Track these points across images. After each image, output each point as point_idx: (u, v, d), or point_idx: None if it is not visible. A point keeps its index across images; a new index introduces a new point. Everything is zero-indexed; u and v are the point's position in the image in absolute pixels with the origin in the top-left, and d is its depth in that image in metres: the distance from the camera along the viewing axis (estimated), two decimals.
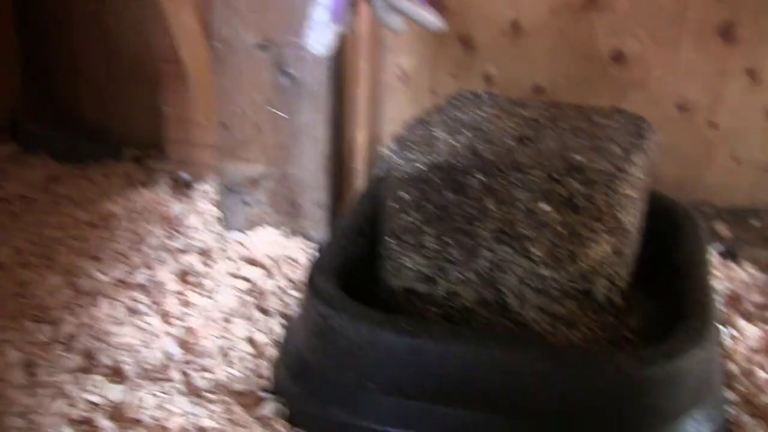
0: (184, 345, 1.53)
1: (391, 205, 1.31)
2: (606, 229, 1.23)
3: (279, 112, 1.79)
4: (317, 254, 1.43)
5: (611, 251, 1.25)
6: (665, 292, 1.44)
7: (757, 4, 1.89)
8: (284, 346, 1.41)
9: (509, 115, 1.43)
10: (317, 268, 1.36)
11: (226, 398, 1.38)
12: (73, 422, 1.31)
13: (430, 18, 1.42)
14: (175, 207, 2.00)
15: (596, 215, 1.21)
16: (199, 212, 1.97)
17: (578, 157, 1.24)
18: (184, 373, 1.45)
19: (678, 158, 2.04)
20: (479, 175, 1.23)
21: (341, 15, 1.29)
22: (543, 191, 1.21)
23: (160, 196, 2.04)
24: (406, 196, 1.28)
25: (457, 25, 2.02)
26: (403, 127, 1.39)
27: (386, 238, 1.34)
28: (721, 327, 1.61)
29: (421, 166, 1.26)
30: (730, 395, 1.44)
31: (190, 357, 1.50)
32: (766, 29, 1.91)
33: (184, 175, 2.16)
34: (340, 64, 1.82)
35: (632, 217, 1.26)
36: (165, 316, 1.60)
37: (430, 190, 1.26)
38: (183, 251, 1.83)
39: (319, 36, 1.30)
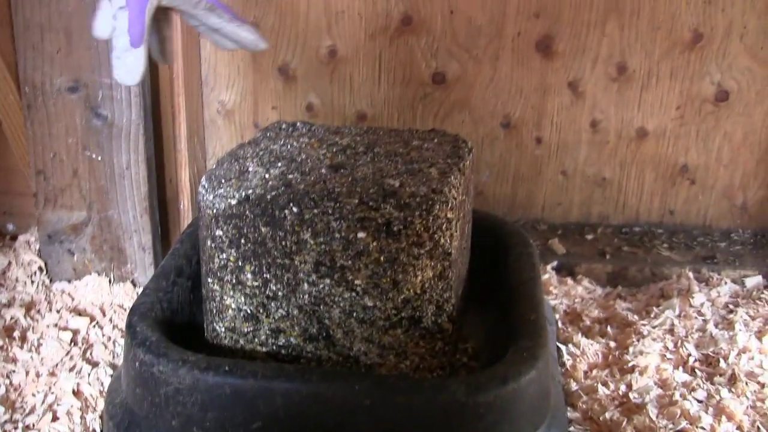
0: (7, 403, 1.47)
1: (208, 244, 1.27)
2: (426, 253, 1.20)
3: (93, 155, 1.74)
4: (136, 298, 1.38)
5: (434, 275, 1.22)
6: (498, 313, 1.43)
7: (572, 17, 1.92)
8: (110, 397, 1.35)
9: (324, 143, 1.40)
10: (135, 313, 1.31)
11: None
12: None
13: (249, 36, 1.38)
14: None
15: (415, 240, 1.19)
16: (23, 264, 1.90)
17: (393, 182, 1.22)
18: None
19: (508, 177, 2.06)
20: (293, 207, 1.19)
21: (141, 38, 1.24)
22: (358, 219, 1.18)
23: None
24: (221, 234, 1.24)
25: (275, 56, 2.00)
26: (214, 162, 1.35)
27: (206, 278, 1.30)
28: (560, 345, 1.61)
29: (234, 202, 1.22)
30: (573, 414, 1.44)
31: (14, 415, 1.45)
32: (584, 41, 1.93)
33: (9, 227, 2.08)
34: (156, 102, 1.78)
35: (453, 240, 1.24)
36: None
37: (244, 226, 1.22)
38: (6, 305, 1.76)
39: (124, 64, 1.25)
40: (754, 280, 1.89)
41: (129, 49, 1.24)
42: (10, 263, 1.91)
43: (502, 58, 1.97)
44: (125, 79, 1.27)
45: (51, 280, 1.88)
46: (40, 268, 1.88)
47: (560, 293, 1.85)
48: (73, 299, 1.80)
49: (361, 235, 1.19)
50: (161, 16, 1.34)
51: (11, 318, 1.72)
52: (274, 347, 1.29)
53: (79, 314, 1.74)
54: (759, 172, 2.04)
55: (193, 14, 1.33)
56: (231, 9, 1.37)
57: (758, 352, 1.59)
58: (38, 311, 1.76)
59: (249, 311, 1.28)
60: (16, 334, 1.67)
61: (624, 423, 1.39)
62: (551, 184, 2.07)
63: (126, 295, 1.81)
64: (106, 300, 1.80)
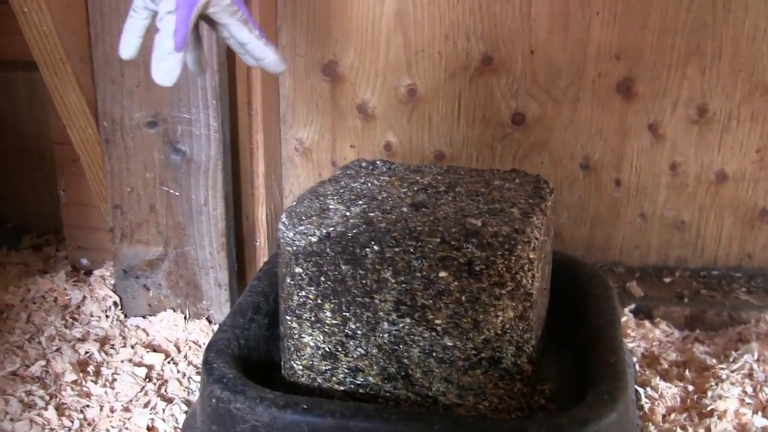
0: None
1: (287, 281, 1.26)
2: (508, 293, 1.19)
3: (171, 190, 1.74)
4: (213, 335, 1.37)
5: (515, 316, 1.21)
6: (577, 356, 1.41)
7: (653, 59, 1.90)
8: None
9: (404, 182, 1.40)
10: (212, 350, 1.30)
11: None
12: None
13: (273, 56, 1.39)
14: (73, 294, 1.93)
15: (497, 280, 1.17)
16: (98, 299, 1.91)
17: (475, 222, 1.21)
18: None
19: (586, 219, 2.04)
20: (374, 245, 1.19)
21: (183, 43, 1.25)
22: (440, 258, 1.17)
23: (57, 284, 1.97)
24: (301, 271, 1.24)
25: (354, 94, 2.00)
26: (294, 199, 1.35)
27: (284, 315, 1.29)
28: (638, 388, 1.59)
29: (314, 239, 1.21)
30: None
31: None
32: (665, 84, 1.92)
33: (83, 261, 2.10)
34: (234, 138, 1.78)
35: (535, 280, 1.22)
36: (61, 409, 1.54)
37: (325, 264, 1.22)
38: (81, 340, 1.77)
39: (165, 67, 1.26)
40: None
41: (172, 52, 1.25)
42: (84, 298, 1.92)
43: (582, 100, 1.96)
44: (164, 80, 1.28)
45: (126, 316, 1.88)
46: (115, 303, 1.89)
47: (638, 336, 1.82)
48: (147, 335, 1.81)
49: (442, 274, 1.18)
50: (199, 26, 1.35)
51: (85, 352, 1.72)
52: (352, 386, 1.28)
53: (154, 350, 1.75)
54: None
55: (226, 24, 1.33)
56: (259, 26, 1.38)
57: None
58: (112, 346, 1.76)
59: (327, 349, 1.27)
60: (91, 368, 1.68)
61: None
62: (630, 226, 2.05)
63: (201, 332, 1.81)
64: (181, 336, 1.80)
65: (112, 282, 1.93)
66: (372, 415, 1.14)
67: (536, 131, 2.00)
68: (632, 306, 1.92)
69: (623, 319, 1.86)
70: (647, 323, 1.88)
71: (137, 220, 1.80)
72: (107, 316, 1.86)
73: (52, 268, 2.09)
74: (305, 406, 1.16)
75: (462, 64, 1.96)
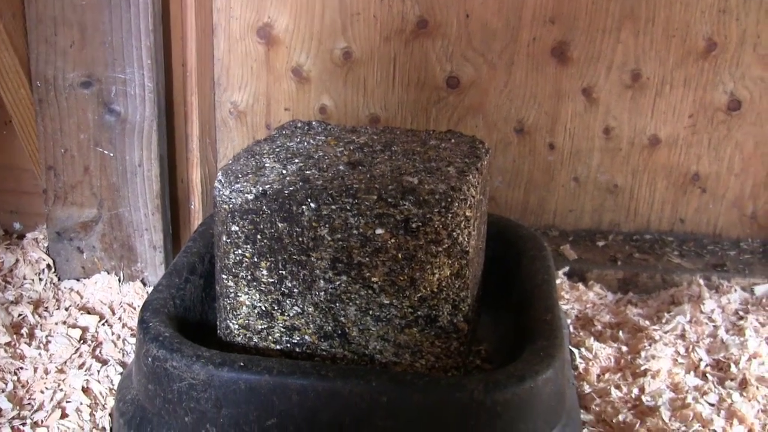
0: (14, 399, 1.46)
1: (223, 240, 1.26)
2: (444, 251, 1.19)
3: (105, 151, 1.73)
4: (149, 295, 1.36)
5: (451, 274, 1.21)
6: (512, 316, 1.42)
7: (587, 23, 1.91)
8: (121, 394, 1.34)
9: (340, 141, 1.40)
10: (148, 309, 1.30)
11: None
12: None
13: None
14: (6, 257, 1.91)
15: (433, 238, 1.18)
16: (31, 261, 1.89)
17: (412, 179, 1.21)
18: (17, 430, 1.38)
19: (520, 183, 2.05)
20: (311, 203, 1.19)
21: None
22: (377, 216, 1.17)
23: None
24: (237, 229, 1.23)
25: (289, 57, 1.99)
26: (231, 158, 1.34)
27: (220, 274, 1.29)
28: (573, 348, 1.61)
29: (251, 197, 1.21)
30: (587, 416, 1.43)
31: (22, 412, 1.43)
32: (599, 48, 1.93)
33: (16, 225, 2.07)
34: (169, 100, 1.77)
35: (471, 238, 1.23)
36: None
37: (261, 222, 1.22)
38: (14, 302, 1.75)
39: None
40: (763, 288, 1.89)
41: None
42: (17, 261, 1.90)
43: (517, 64, 1.97)
44: None
45: (59, 278, 1.86)
46: (49, 266, 1.87)
47: (572, 298, 1.84)
48: (81, 297, 1.79)
49: (379, 231, 1.18)
50: None
51: (19, 315, 1.71)
52: (288, 345, 1.28)
53: (88, 312, 1.73)
54: None
55: None
56: None
57: None
58: (46, 309, 1.75)
59: (263, 308, 1.27)
60: (24, 331, 1.66)
61: (637, 425, 1.39)
62: (563, 190, 2.07)
63: (136, 294, 1.80)
64: (115, 299, 1.79)
65: (46, 245, 1.91)
66: (309, 372, 1.14)
67: (471, 95, 2.00)
68: (566, 269, 1.94)
69: (557, 281, 1.88)
70: (581, 286, 1.90)
71: (71, 181, 1.78)
72: (41, 279, 1.84)
73: None
74: (242, 364, 1.15)
75: (397, 27, 1.95)
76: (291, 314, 1.26)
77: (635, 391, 1.50)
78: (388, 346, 1.25)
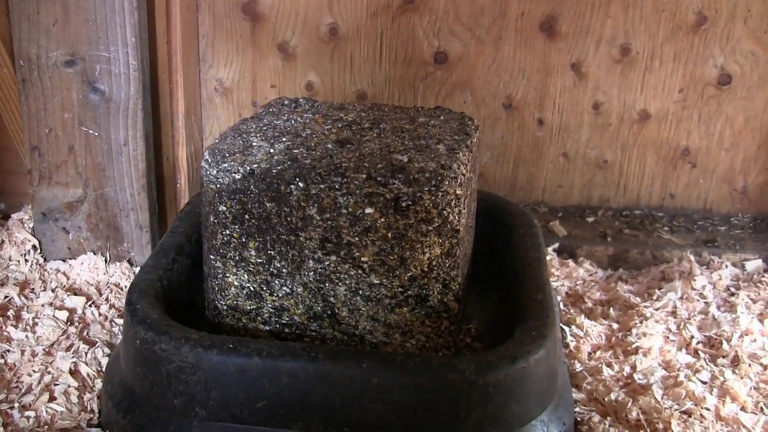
0: (2, 382, 1.45)
1: (210, 220, 1.24)
2: (434, 230, 1.18)
3: (90, 131, 1.71)
4: (136, 276, 1.35)
5: (441, 253, 1.20)
6: (503, 294, 1.41)
7: None
8: (109, 377, 1.33)
9: (328, 119, 1.38)
10: (135, 291, 1.28)
11: None
12: None
13: None
14: None
15: (423, 216, 1.17)
16: (16, 242, 1.87)
17: (401, 158, 1.20)
18: (5, 413, 1.37)
19: (509, 159, 2.04)
20: (299, 182, 1.17)
21: None
22: (366, 195, 1.16)
23: None
24: (224, 209, 1.22)
25: (275, 34, 1.97)
26: (211, 141, 1.32)
27: (208, 254, 1.28)
28: (563, 326, 1.60)
29: (238, 176, 1.20)
30: (578, 395, 1.42)
31: (9, 395, 1.42)
32: (588, 22, 1.91)
33: (1, 205, 2.06)
34: (153, 78, 1.75)
35: (461, 217, 1.22)
36: None
37: (249, 201, 1.20)
38: (0, 284, 1.73)
39: None
40: (754, 264, 1.88)
41: None
42: (2, 242, 1.88)
43: (505, 39, 1.95)
44: None
45: (45, 259, 1.85)
46: (34, 247, 1.85)
47: (562, 275, 1.83)
48: (68, 278, 1.78)
49: (368, 210, 1.17)
50: None
51: (5, 297, 1.69)
52: (278, 326, 1.28)
53: (75, 294, 1.72)
54: (759, 156, 2.03)
55: None
56: None
57: (760, 335, 1.58)
58: (32, 290, 1.73)
59: (252, 289, 1.26)
60: (11, 313, 1.64)
61: (629, 404, 1.38)
62: (552, 166, 2.05)
63: (123, 274, 1.79)
64: (102, 279, 1.77)
65: (31, 225, 1.89)
66: (299, 353, 1.13)
67: (459, 70, 1.98)
68: (556, 245, 1.93)
69: (547, 258, 1.87)
70: (571, 262, 1.89)
71: (56, 161, 1.76)
72: (26, 260, 1.83)
73: None
74: (231, 346, 1.15)
75: (384, 2, 1.93)
76: (280, 295, 1.25)
77: (627, 369, 1.49)
78: (378, 326, 1.24)
